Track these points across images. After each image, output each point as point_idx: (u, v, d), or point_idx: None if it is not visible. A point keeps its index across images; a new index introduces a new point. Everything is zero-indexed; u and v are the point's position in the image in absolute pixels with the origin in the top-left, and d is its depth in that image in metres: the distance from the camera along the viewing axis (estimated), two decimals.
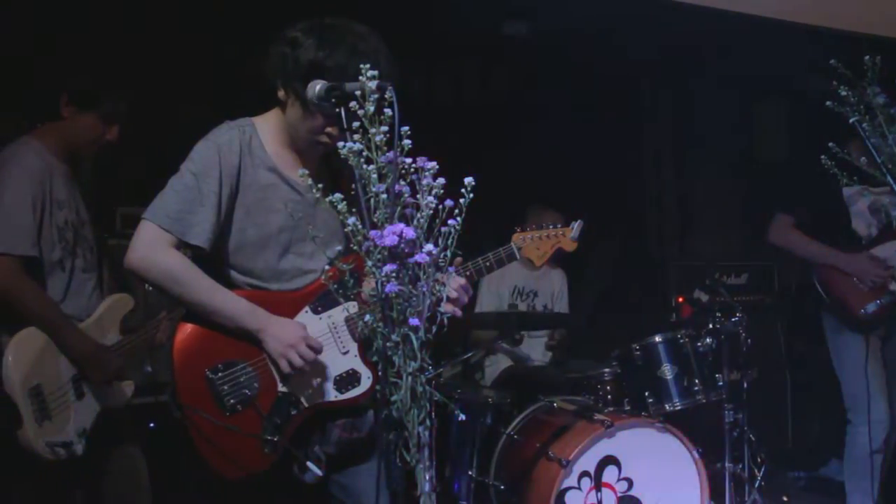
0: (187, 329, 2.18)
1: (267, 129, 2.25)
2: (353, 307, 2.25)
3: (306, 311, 2.25)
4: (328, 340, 2.25)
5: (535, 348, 4.56)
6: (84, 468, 2.77)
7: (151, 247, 2.12)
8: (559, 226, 2.54)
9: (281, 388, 2.20)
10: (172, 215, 2.12)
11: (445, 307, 1.67)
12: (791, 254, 3.83)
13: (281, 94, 2.20)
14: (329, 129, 2.16)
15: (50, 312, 2.72)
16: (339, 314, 2.27)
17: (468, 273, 2.32)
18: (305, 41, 2.12)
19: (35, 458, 2.61)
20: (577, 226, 2.55)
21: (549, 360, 4.56)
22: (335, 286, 1.89)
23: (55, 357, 2.73)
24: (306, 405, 2.22)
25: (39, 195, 2.74)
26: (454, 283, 2.10)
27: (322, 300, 2.26)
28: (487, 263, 2.38)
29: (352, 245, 1.66)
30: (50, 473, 2.68)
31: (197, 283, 2.14)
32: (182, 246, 2.15)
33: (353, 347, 2.27)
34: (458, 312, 2.09)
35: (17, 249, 2.67)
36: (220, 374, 2.15)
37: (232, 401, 2.15)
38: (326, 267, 2.13)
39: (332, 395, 2.24)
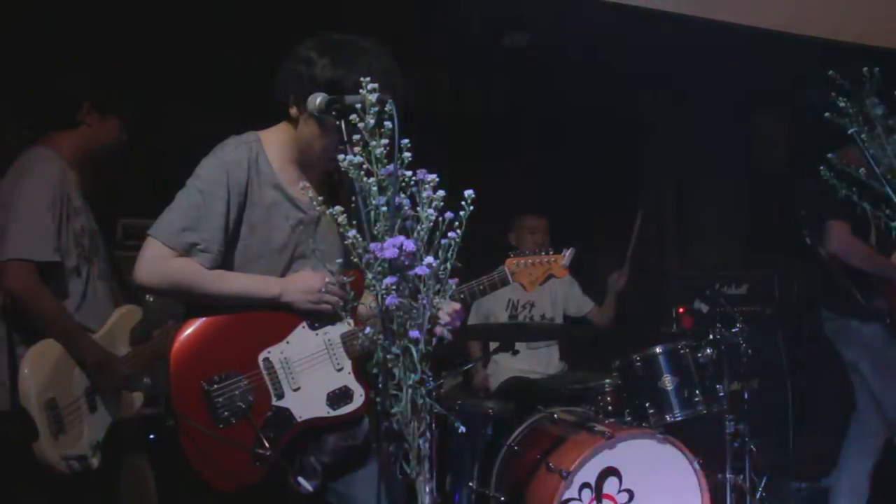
0: (184, 339, 2.19)
1: (273, 144, 2.26)
2: (349, 324, 2.24)
3: (303, 327, 2.26)
4: (323, 356, 2.26)
5: (537, 360, 4.55)
6: (95, 478, 2.78)
7: (156, 262, 2.15)
8: (551, 252, 2.59)
9: (275, 402, 2.21)
10: (177, 232, 2.14)
11: (436, 330, 1.68)
12: (850, 262, 3.67)
13: (293, 111, 2.20)
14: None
15: (63, 320, 2.74)
16: (335, 331, 2.27)
17: (461, 296, 2.33)
18: (320, 60, 2.13)
19: (50, 471, 2.62)
20: (568, 253, 2.59)
21: (550, 373, 4.55)
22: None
23: (69, 370, 2.74)
24: (299, 420, 2.23)
25: (58, 201, 2.78)
26: (448, 309, 2.10)
27: (319, 317, 2.26)
28: (481, 287, 2.43)
29: (352, 258, 1.67)
30: (63, 485, 2.69)
31: (202, 279, 2.16)
32: None
33: (347, 364, 2.28)
34: (449, 336, 2.09)
35: (36, 255, 2.70)
36: (215, 386, 2.16)
37: (226, 413, 2.15)
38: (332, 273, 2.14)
39: (325, 410, 2.25)
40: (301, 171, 2.28)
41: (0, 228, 2.75)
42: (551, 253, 2.59)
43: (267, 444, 2.16)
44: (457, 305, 2.21)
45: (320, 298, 2.19)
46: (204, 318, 2.21)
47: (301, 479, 2.18)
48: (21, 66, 3.64)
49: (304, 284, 2.20)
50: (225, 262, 2.21)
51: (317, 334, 2.27)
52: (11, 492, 2.76)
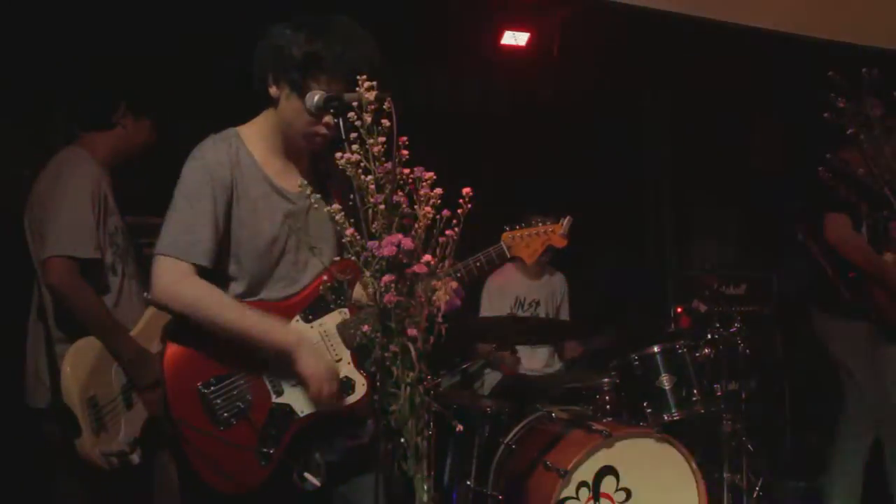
0: (177, 343, 2.16)
1: (253, 136, 2.24)
2: (344, 314, 2.23)
3: (297, 320, 2.23)
4: (320, 349, 2.22)
5: (537, 359, 4.56)
6: (130, 475, 2.81)
7: (170, 280, 2.11)
8: (548, 222, 2.52)
9: (274, 399, 2.19)
10: (173, 240, 2.12)
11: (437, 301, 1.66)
12: (846, 254, 3.68)
13: (273, 90, 2.17)
14: (326, 120, 2.12)
15: (104, 316, 2.78)
16: (330, 322, 2.24)
17: (459, 275, 2.28)
18: (297, 35, 2.11)
19: (91, 467, 2.66)
20: (566, 222, 2.51)
21: (548, 371, 4.56)
22: (331, 294, 1.89)
23: (108, 368, 2.78)
24: (300, 415, 2.20)
25: (97, 199, 2.82)
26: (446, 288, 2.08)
27: (313, 308, 2.24)
28: (478, 264, 2.35)
29: (349, 255, 1.67)
30: (100, 482, 2.74)
31: (221, 308, 2.12)
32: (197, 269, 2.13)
33: (346, 355, 2.25)
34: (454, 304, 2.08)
35: (78, 252, 2.74)
36: (212, 388, 2.13)
37: (225, 414, 2.12)
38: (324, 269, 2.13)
39: None
40: (286, 160, 2.25)
41: (41, 226, 2.80)
42: (549, 222, 2.52)
43: (270, 443, 2.14)
44: (454, 284, 2.14)
45: (323, 387, 2.12)
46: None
47: (307, 476, 2.16)
48: (14, 66, 3.65)
49: (320, 363, 2.13)
50: (225, 259, 2.18)
51: (311, 327, 2.23)
52: (52, 488, 2.79)
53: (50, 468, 2.84)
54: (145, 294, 2.86)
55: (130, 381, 2.82)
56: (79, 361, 2.70)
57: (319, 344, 2.22)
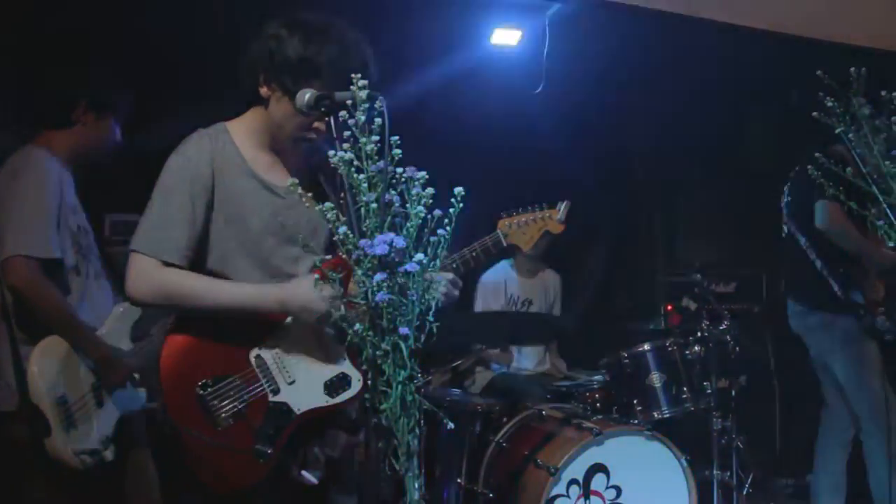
0: (174, 345, 2.15)
1: (242, 131, 2.22)
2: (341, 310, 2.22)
3: (290, 320, 2.21)
4: (317, 346, 2.23)
5: (528, 358, 4.57)
6: (102, 474, 2.77)
7: (142, 275, 2.12)
8: (545, 206, 2.46)
9: (272, 398, 2.18)
10: (148, 237, 2.12)
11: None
12: (840, 241, 3.66)
13: (264, 90, 2.16)
14: (317, 125, 2.13)
15: (68, 315, 2.74)
16: None
17: (454, 265, 2.28)
18: (291, 38, 2.10)
19: (64, 466, 2.63)
20: (563, 206, 2.46)
21: (540, 370, 4.57)
22: None
23: (76, 366, 2.74)
24: (298, 412, 2.19)
25: (57, 199, 2.78)
26: (443, 279, 2.07)
27: None
28: (473, 254, 2.33)
29: (340, 253, 1.67)
30: (71, 482, 2.69)
31: (195, 290, 2.12)
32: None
33: (343, 352, 2.25)
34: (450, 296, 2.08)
35: (38, 251, 2.70)
36: (209, 389, 2.13)
37: (223, 415, 2.12)
38: (317, 264, 2.12)
39: (323, 399, 2.22)
40: (275, 156, 2.24)
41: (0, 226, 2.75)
42: (545, 207, 2.47)
43: (267, 442, 2.13)
44: (449, 275, 2.15)
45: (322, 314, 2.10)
46: (191, 323, 2.17)
47: (305, 473, 2.16)
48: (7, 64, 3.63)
49: (307, 302, 2.09)
50: (203, 257, 2.17)
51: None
52: (22, 490, 2.76)
53: (19, 472, 2.79)
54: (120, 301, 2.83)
55: (99, 380, 2.79)
56: (46, 361, 2.66)
57: (313, 340, 2.21)
